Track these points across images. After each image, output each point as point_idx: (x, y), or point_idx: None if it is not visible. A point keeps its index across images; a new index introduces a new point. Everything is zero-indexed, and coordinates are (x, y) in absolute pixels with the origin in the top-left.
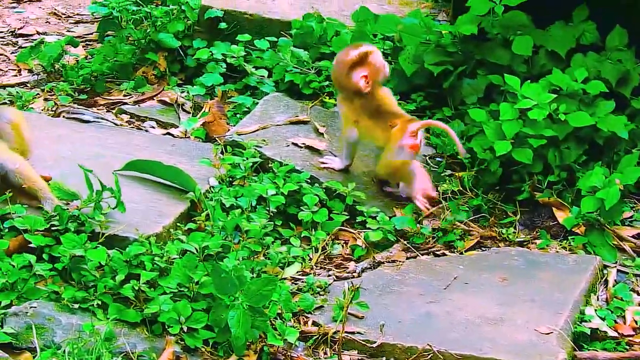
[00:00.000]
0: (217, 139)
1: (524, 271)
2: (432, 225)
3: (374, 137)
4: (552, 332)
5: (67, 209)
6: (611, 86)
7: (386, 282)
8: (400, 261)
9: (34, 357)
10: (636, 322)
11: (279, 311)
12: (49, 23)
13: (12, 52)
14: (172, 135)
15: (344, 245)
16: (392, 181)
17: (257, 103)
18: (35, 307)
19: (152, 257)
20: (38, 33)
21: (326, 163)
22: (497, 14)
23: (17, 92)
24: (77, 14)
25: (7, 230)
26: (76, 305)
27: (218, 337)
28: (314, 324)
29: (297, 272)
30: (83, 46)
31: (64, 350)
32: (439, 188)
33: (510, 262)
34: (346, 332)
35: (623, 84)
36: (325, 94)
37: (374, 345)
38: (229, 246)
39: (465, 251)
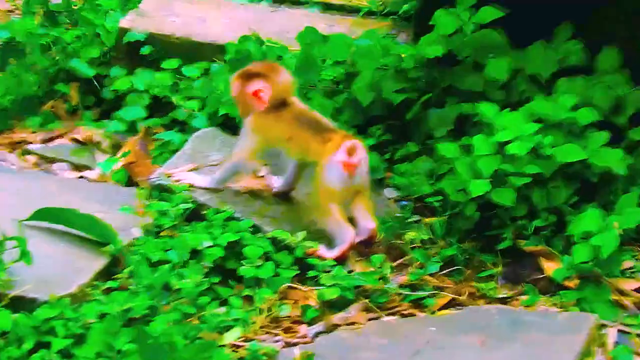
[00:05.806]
0: (140, 182)
1: (507, 333)
2: (397, 282)
3: None
4: None
5: None
6: (604, 115)
7: (344, 348)
8: (360, 323)
9: None
10: None
11: None
12: None
13: None
14: (88, 178)
15: (294, 305)
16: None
17: (187, 140)
18: None
19: (65, 322)
20: None
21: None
22: (466, 34)
23: None
24: None
25: None
26: None
27: None
28: None
29: (239, 338)
30: None
31: None
32: (405, 237)
33: (491, 322)
34: None
35: (617, 112)
36: None
37: None
38: (157, 308)
39: (438, 310)
